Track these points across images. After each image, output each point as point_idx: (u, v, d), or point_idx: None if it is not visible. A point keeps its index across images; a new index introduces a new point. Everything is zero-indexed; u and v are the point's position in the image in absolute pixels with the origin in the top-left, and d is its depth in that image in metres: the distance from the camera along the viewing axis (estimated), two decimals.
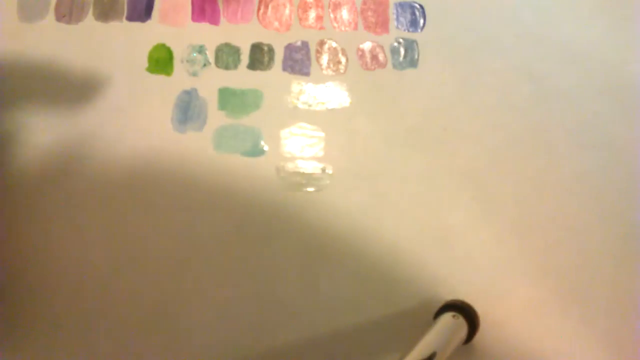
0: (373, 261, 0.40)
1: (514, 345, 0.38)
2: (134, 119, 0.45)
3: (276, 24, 0.48)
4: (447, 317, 0.37)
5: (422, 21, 0.49)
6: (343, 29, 0.49)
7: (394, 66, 0.48)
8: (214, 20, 0.48)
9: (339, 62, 0.48)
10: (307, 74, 0.47)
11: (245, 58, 0.47)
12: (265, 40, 0.48)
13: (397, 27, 0.49)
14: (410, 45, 0.49)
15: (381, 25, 0.49)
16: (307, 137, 0.45)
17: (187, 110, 0.45)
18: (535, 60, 0.48)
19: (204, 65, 0.47)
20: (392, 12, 0.49)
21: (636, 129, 0.46)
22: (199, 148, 0.44)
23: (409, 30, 0.49)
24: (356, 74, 0.47)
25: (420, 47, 0.48)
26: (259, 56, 0.47)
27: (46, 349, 0.39)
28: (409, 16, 0.49)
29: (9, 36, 0.48)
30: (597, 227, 0.44)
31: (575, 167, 0.45)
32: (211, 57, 0.47)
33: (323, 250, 0.41)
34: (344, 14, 0.49)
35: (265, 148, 0.45)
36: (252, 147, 0.44)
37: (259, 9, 0.49)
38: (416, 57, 0.48)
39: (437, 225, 0.41)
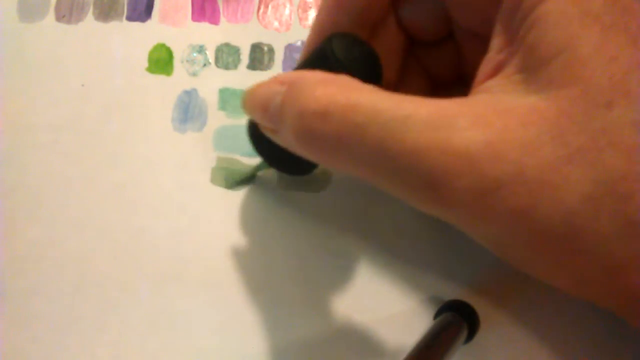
0: (373, 261, 0.40)
1: (514, 345, 0.38)
2: (134, 119, 0.45)
3: (276, 24, 0.48)
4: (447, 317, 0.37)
5: None
6: None
7: None
8: (214, 20, 0.48)
9: None
10: None
11: (245, 58, 0.47)
12: (265, 40, 0.48)
13: None
14: None
15: None
16: None
17: (187, 110, 0.45)
18: None
19: (204, 65, 0.47)
20: None
21: None
22: (199, 148, 0.44)
23: None
24: None
25: None
26: (259, 56, 0.47)
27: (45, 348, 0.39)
28: None
29: (9, 36, 0.48)
30: None
31: None
32: (211, 57, 0.47)
33: (323, 250, 0.41)
34: None
35: None
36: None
37: (258, 9, 0.49)
38: None
39: (437, 224, 0.41)
